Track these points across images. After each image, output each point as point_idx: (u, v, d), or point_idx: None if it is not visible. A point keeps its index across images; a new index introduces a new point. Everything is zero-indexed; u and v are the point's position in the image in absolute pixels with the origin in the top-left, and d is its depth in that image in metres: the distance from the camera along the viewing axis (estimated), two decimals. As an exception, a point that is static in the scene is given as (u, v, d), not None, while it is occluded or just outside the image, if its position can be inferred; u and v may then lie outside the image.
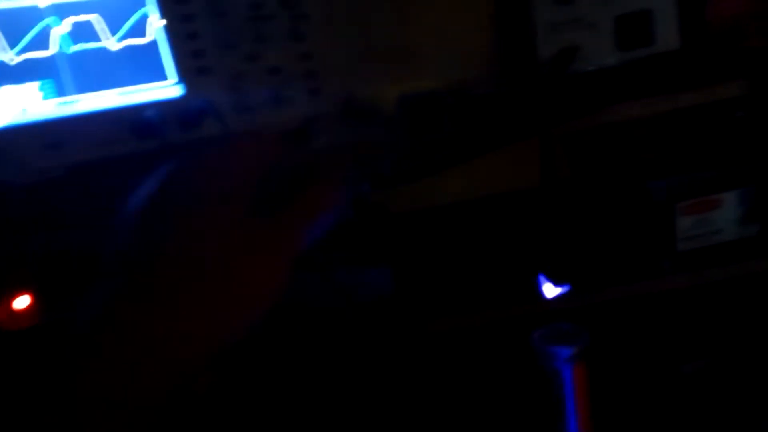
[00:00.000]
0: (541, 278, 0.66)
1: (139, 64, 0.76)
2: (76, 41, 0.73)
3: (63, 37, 0.73)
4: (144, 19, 0.76)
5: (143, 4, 0.76)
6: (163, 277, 0.37)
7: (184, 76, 0.78)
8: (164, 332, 0.36)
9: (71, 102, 0.74)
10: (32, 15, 0.71)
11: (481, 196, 1.02)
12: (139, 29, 0.76)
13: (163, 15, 0.76)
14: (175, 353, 0.36)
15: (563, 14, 0.82)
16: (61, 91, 0.73)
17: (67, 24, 0.73)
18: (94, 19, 0.74)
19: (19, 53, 0.71)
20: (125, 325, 0.36)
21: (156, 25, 0.76)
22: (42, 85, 0.72)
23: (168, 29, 0.77)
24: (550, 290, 0.65)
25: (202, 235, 0.38)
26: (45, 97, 0.73)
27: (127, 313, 0.36)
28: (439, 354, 0.84)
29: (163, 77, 0.78)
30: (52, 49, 0.72)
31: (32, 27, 0.71)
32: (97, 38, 0.74)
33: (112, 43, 0.75)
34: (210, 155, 0.42)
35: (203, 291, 0.37)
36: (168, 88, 0.78)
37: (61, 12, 0.72)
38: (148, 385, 0.35)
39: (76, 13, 0.73)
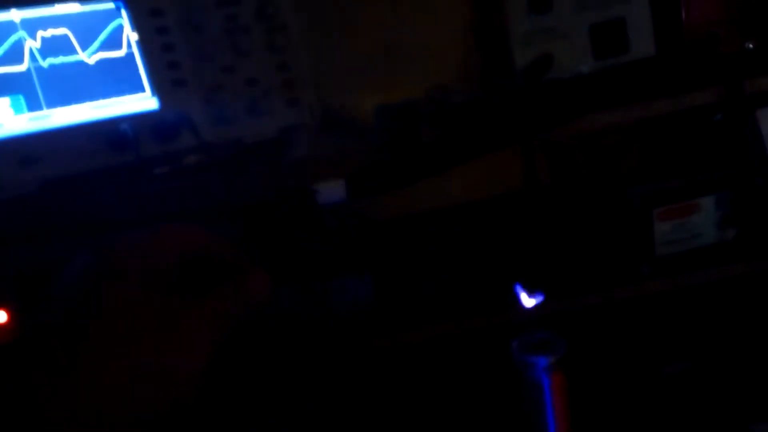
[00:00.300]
0: (518, 288, 0.67)
1: (115, 77, 0.76)
2: (50, 55, 0.73)
3: (37, 51, 0.72)
4: (119, 31, 0.76)
5: (118, 16, 0.75)
6: (82, 351, 0.37)
7: (159, 88, 0.78)
8: (84, 403, 0.36)
9: (45, 117, 0.73)
10: (5, 29, 0.71)
11: (463, 202, 1.02)
12: (114, 42, 0.75)
13: (136, 28, 0.76)
14: (96, 425, 0.36)
15: (538, 23, 0.82)
16: (33, 106, 0.73)
17: (40, 37, 0.72)
18: (68, 32, 0.73)
19: (-10, 68, 0.71)
20: (45, 395, 0.36)
21: (132, 38, 0.76)
22: (12, 100, 0.72)
23: (141, 42, 0.77)
24: (526, 300, 0.65)
25: (119, 313, 0.38)
26: (16, 113, 0.72)
27: (45, 385, 0.36)
28: (419, 362, 0.84)
29: (141, 89, 0.78)
30: (26, 63, 0.72)
31: (4, 41, 0.71)
32: (72, 51, 0.74)
33: (86, 57, 0.74)
34: (135, 237, 0.42)
35: (119, 366, 0.38)
36: (144, 101, 0.78)
37: (34, 26, 0.72)
38: None
39: (51, 27, 0.73)
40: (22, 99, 0.72)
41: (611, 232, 0.88)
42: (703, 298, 0.91)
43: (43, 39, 0.72)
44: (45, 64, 0.72)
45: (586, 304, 0.86)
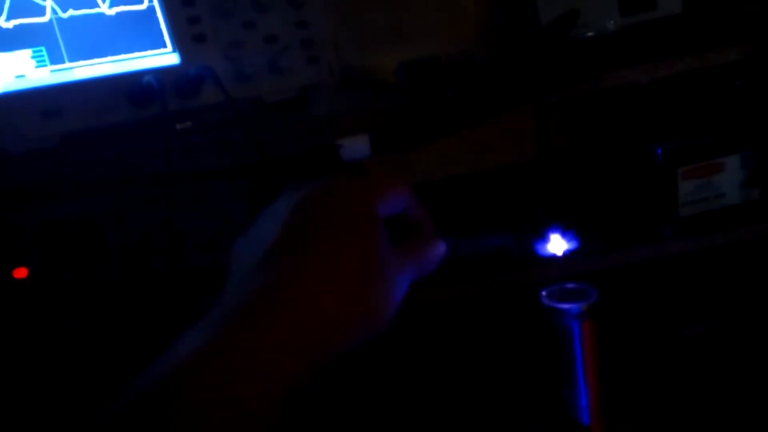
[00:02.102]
0: (549, 233, 0.66)
1: (136, 31, 0.75)
2: (71, 6, 0.72)
3: (56, 2, 0.71)
4: (139, -16, 0.75)
5: (138, -30, 0.74)
6: (302, 282, 0.39)
7: (179, 43, 0.77)
8: (293, 330, 0.37)
9: (66, 69, 0.72)
10: (25, -20, 0.70)
11: (480, 170, 1.02)
12: (134, -5, 0.75)
13: (158, -20, 0.75)
14: (298, 353, 0.37)
15: (564, -22, 0.81)
16: (55, 59, 0.72)
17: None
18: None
19: (9, 19, 0.70)
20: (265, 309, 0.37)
21: (152, -9, 0.75)
22: (34, 52, 0.71)
23: (163, -6, 0.76)
24: (557, 246, 0.65)
25: (338, 242, 0.40)
26: (38, 65, 0.71)
27: (272, 300, 0.38)
28: (447, 319, 0.83)
29: (161, 45, 0.77)
30: (48, 14, 0.71)
31: (25, -8, 0.70)
32: (93, 4, 0.73)
33: (107, 8, 0.73)
34: (332, 185, 0.43)
35: (333, 302, 0.39)
36: (165, 56, 0.77)
37: (54, -23, 0.71)
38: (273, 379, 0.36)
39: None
40: (44, 51, 0.71)
41: (633, 192, 0.87)
42: (726, 260, 0.91)
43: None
44: (65, 15, 0.71)
45: (608, 266, 0.85)
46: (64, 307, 0.75)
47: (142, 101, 0.74)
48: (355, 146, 0.75)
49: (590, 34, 0.84)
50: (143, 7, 0.75)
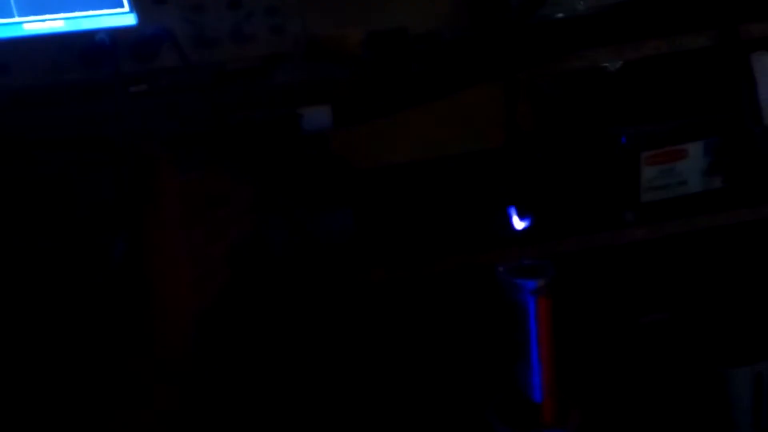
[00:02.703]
0: (511, 217, 0.65)
1: (91, -12, 0.72)
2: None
3: (7, -47, 0.68)
4: (96, -60, 0.72)
5: (95, -77, 0.71)
6: None
7: (137, 3, 0.74)
8: None
9: (15, 24, 0.69)
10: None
11: (448, 154, 1.01)
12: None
13: (116, -66, 0.72)
14: None
15: (534, -45, 0.80)
16: (4, 12, 0.69)
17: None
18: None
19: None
20: None
21: (109, -54, 0.72)
22: (-17, 4, 0.68)
23: (121, -50, 0.73)
24: (517, 228, 0.64)
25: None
26: (-13, 18, 0.68)
27: None
28: (406, 298, 0.82)
29: (118, 4, 0.74)
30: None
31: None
32: (45, -43, 0.70)
33: (60, -38, 0.70)
34: None
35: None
36: (121, 16, 0.74)
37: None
38: None
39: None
40: (-9, 2, 0.68)
41: (597, 177, 0.87)
42: (686, 248, 0.91)
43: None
44: (17, -33, 0.68)
45: (568, 250, 0.85)
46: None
47: (95, 61, 0.71)
48: (316, 116, 0.73)
49: (560, 15, 0.84)
50: (100, -37, 0.73)
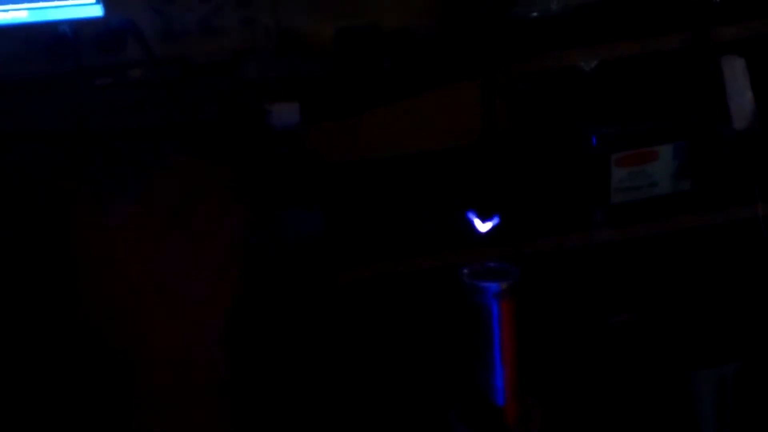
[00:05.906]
0: (472, 214, 0.65)
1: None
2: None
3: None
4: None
5: None
6: None
7: (104, -6, 0.73)
8: None
9: (-24, 13, 0.68)
10: None
11: (423, 151, 1.00)
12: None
13: None
14: None
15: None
16: (-36, 1, 0.67)
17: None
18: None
19: None
20: None
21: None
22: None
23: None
24: (480, 225, 0.64)
25: None
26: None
27: None
28: (369, 297, 0.82)
29: (82, -6, 0.73)
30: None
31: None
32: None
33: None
34: None
35: None
36: (87, 7, 0.72)
37: None
38: None
39: None
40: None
41: (568, 177, 0.86)
42: (654, 250, 0.91)
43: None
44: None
45: (537, 250, 0.84)
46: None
47: (59, 53, 0.70)
48: (284, 113, 0.72)
49: (534, 14, 0.83)
50: (65, -48, 0.71)
